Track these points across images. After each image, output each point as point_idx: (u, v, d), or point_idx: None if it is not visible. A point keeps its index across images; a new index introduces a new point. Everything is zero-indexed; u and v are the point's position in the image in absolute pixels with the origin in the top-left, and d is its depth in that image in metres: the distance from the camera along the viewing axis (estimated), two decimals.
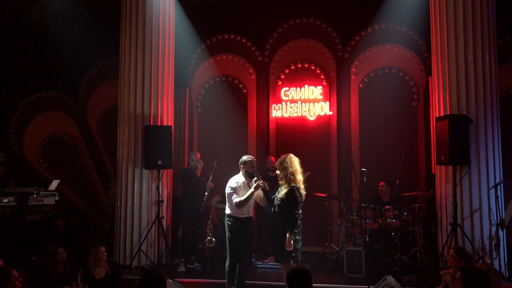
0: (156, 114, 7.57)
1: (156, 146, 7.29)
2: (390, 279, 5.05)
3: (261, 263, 7.34)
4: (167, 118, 7.75)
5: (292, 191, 5.17)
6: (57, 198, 7.83)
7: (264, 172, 8.23)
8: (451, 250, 5.07)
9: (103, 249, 5.69)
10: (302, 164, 5.40)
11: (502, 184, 6.47)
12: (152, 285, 3.27)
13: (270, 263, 7.20)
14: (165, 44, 7.73)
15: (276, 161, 5.57)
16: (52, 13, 8.89)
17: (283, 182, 5.29)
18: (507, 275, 6.31)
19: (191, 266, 7.22)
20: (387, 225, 7.15)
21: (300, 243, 5.27)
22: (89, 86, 9.80)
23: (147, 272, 3.51)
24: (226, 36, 9.22)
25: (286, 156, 5.34)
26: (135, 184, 7.45)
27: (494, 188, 6.37)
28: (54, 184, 8.02)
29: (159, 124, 7.57)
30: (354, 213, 7.32)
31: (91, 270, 5.57)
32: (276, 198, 5.31)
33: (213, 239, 7.44)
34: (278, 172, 5.37)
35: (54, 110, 9.88)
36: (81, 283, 5.24)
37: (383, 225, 7.17)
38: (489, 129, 6.55)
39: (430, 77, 7.66)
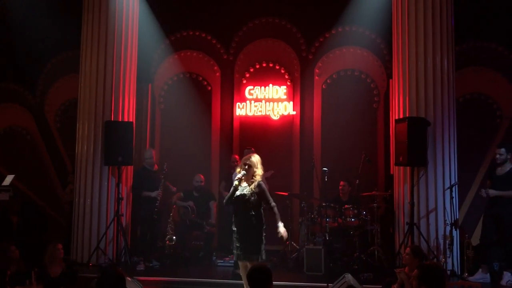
0: (117, 109, 7.42)
1: (116, 142, 7.16)
2: (349, 277, 5.14)
3: (222, 261, 7.32)
4: (129, 113, 7.61)
5: (261, 185, 5.24)
6: (11, 194, 7.55)
7: (227, 170, 8.22)
8: (407, 248, 5.20)
9: (60, 246, 5.54)
10: (265, 163, 5.46)
11: (457, 185, 6.70)
12: (111, 283, 3.19)
13: (231, 261, 7.18)
14: (128, 38, 7.60)
15: (240, 159, 5.57)
16: (10, 2, 8.57)
17: (244, 179, 5.29)
18: (459, 272, 6.55)
19: (150, 264, 7.12)
20: (346, 224, 7.27)
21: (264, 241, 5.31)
22: (48, 78, 9.47)
23: (105, 269, 3.41)
24: (191, 33, 9.14)
25: (254, 156, 5.38)
26: (94, 180, 7.28)
27: (449, 189, 6.59)
28: (8, 179, 7.72)
29: (120, 120, 7.43)
30: (315, 211, 7.41)
31: (46, 267, 5.41)
32: (240, 194, 5.26)
33: (174, 237, 7.37)
34: (241, 169, 5.31)
35: (11, 102, 9.51)
36: (35, 281, 5.08)
37: (342, 224, 7.28)
38: (445, 131, 6.77)
39: (391, 80, 7.85)
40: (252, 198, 5.20)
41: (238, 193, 5.29)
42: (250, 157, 5.36)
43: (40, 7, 8.40)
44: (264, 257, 5.25)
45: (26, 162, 9.24)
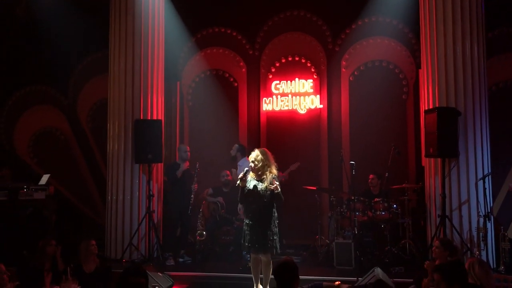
0: (146, 108, 7.54)
1: (146, 140, 7.27)
2: (378, 270, 5.10)
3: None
4: (157, 111, 7.73)
5: (275, 179, 5.38)
6: (47, 193, 7.78)
7: None
8: (436, 241, 5.10)
9: (93, 242, 5.67)
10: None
11: (490, 176, 6.52)
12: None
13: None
14: (155, 37, 7.70)
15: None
16: (39, 6, 8.81)
17: (258, 174, 5.43)
18: (494, 266, 6.38)
19: (181, 259, 7.23)
20: (376, 218, 7.19)
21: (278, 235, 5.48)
22: (79, 80, 9.72)
23: (127, 269, 3.45)
24: (217, 30, 9.20)
25: (263, 150, 5.54)
26: (126, 178, 7.43)
27: (482, 180, 6.42)
28: (45, 178, 7.97)
29: (149, 118, 7.55)
30: (344, 205, 7.36)
31: (81, 264, 5.56)
32: (255, 189, 5.37)
33: (204, 233, 7.45)
34: (254, 164, 5.45)
35: (44, 104, 9.79)
36: (70, 277, 5.23)
37: (372, 217, 7.21)
38: (477, 121, 6.59)
39: (420, 70, 7.69)
40: (267, 192, 5.33)
41: (251, 187, 5.41)
42: (252, 154, 5.52)
43: (69, 10, 8.61)
44: (279, 250, 5.41)
45: (60, 161, 9.50)
